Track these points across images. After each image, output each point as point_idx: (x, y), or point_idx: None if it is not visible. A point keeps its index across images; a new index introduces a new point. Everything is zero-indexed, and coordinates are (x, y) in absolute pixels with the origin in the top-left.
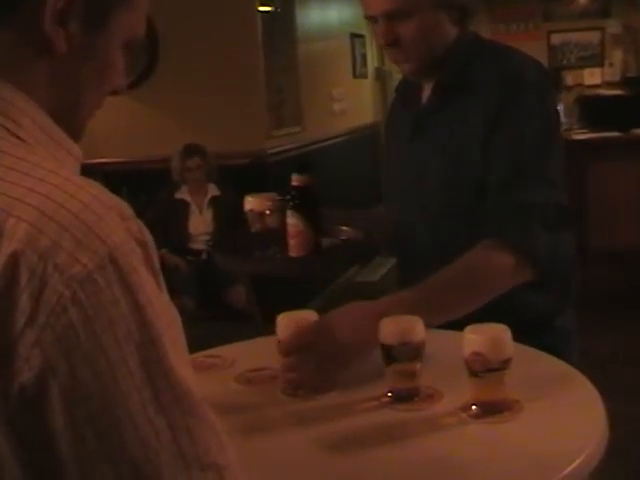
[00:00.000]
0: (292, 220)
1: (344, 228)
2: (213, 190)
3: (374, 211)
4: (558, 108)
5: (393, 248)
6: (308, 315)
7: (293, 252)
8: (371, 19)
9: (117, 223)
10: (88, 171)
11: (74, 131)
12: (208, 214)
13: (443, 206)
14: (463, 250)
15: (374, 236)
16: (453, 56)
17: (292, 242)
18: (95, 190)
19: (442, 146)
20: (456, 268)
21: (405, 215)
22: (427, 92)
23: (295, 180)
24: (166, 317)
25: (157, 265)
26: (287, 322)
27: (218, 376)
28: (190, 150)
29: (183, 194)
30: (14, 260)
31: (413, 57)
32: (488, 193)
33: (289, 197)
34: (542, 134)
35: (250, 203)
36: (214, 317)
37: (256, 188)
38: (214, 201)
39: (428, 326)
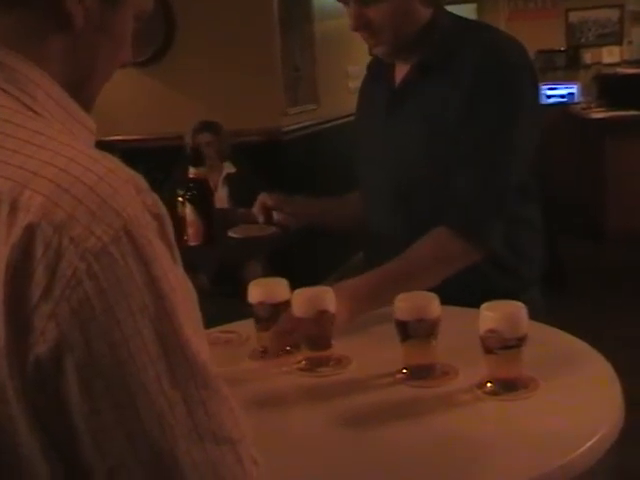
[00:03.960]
0: (188, 210)
1: (256, 225)
2: (229, 167)
3: (348, 198)
4: (540, 89)
5: (363, 230)
6: (323, 291)
7: (191, 241)
8: (343, 2)
9: (132, 196)
10: (104, 148)
11: (86, 103)
12: (223, 191)
13: (421, 173)
14: (436, 222)
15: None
16: (433, 35)
17: (189, 231)
18: (110, 163)
19: (423, 112)
20: (409, 257)
21: (380, 193)
22: (401, 70)
23: (191, 173)
24: (181, 290)
25: (172, 238)
26: (302, 298)
27: (233, 352)
28: (201, 126)
29: None
30: (30, 233)
31: (384, 41)
32: (450, 174)
33: (186, 189)
34: (508, 119)
35: None
36: (229, 293)
37: (271, 165)
38: (229, 178)
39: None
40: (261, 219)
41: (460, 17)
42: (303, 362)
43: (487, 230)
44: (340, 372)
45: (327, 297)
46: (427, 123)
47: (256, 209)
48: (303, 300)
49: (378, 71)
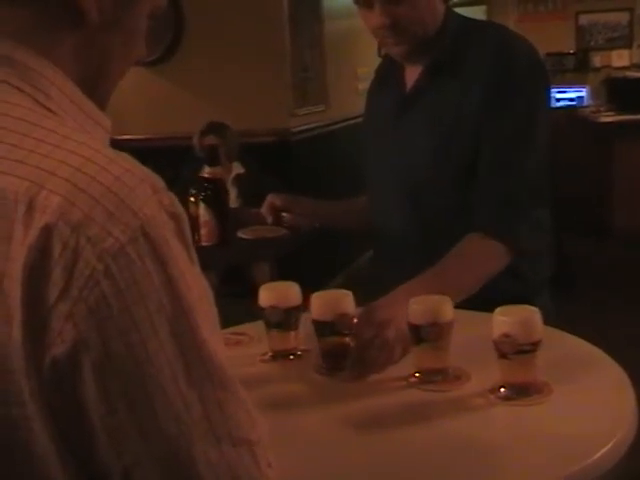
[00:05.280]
0: (202, 211)
1: (266, 226)
2: (237, 168)
3: (355, 200)
4: (550, 89)
5: (371, 234)
6: (343, 294)
7: (204, 241)
8: (364, 3)
9: (149, 196)
10: (114, 147)
11: (101, 101)
12: (232, 192)
13: (432, 179)
14: (448, 226)
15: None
16: (444, 36)
17: (203, 232)
18: (126, 163)
19: (434, 118)
20: (454, 257)
21: (390, 195)
22: (412, 74)
23: (207, 172)
24: (198, 290)
25: (189, 237)
26: (321, 301)
27: (244, 353)
28: (208, 129)
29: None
30: (47, 233)
31: (408, 39)
32: (477, 179)
33: (200, 188)
34: (529, 119)
35: None
36: (237, 294)
37: (280, 166)
38: (238, 179)
39: None
40: (270, 220)
41: (468, 18)
42: (322, 365)
43: (518, 230)
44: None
45: (347, 300)
46: (438, 126)
47: (264, 210)
48: (322, 303)
49: (387, 75)
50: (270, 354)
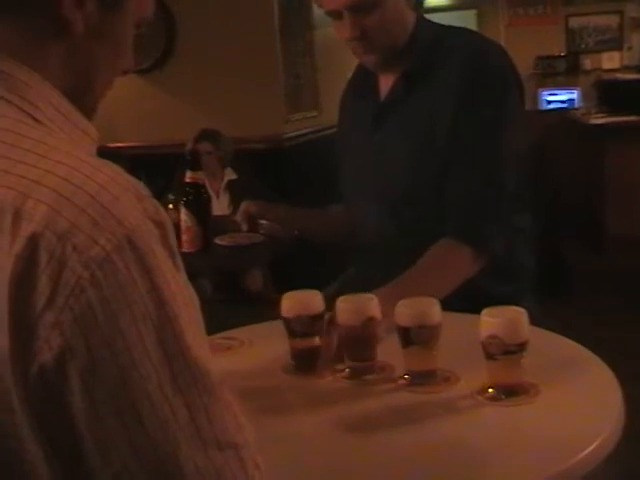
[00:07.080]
0: (183, 216)
1: (243, 233)
2: (230, 174)
3: (331, 209)
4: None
5: (350, 242)
6: (368, 298)
7: (185, 248)
8: (334, 14)
9: (133, 204)
10: (107, 155)
11: (88, 111)
12: (225, 198)
13: (409, 190)
14: (428, 234)
15: (285, 240)
16: (417, 45)
17: (184, 238)
18: (111, 172)
19: (409, 128)
20: (422, 266)
21: (369, 205)
22: (386, 82)
23: (188, 177)
24: (183, 297)
25: (174, 245)
26: (348, 306)
27: (234, 358)
28: (201, 135)
29: None
30: (33, 242)
31: (378, 48)
32: (447, 185)
33: (182, 193)
34: (498, 124)
35: None
36: (231, 300)
37: (273, 172)
38: (230, 185)
39: None
40: (245, 227)
41: (443, 25)
42: (347, 370)
43: (489, 235)
44: (387, 380)
45: (373, 304)
46: (413, 136)
47: (239, 217)
48: (350, 308)
49: (361, 85)
50: (293, 364)
